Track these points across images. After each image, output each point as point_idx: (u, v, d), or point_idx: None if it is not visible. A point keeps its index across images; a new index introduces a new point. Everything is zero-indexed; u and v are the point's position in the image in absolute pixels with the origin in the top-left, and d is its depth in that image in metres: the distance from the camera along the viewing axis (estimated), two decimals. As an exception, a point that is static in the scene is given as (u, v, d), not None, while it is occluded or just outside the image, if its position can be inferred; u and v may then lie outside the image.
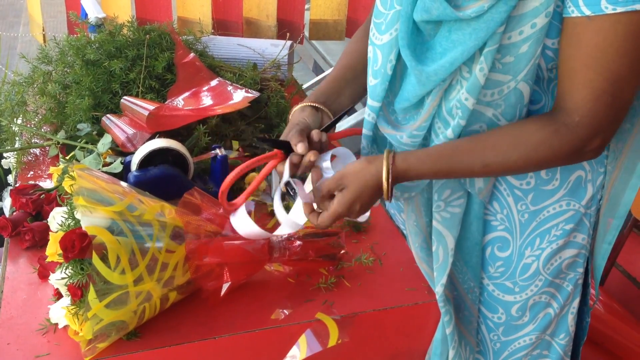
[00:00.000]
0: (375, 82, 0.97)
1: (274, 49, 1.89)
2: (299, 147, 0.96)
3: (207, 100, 1.53)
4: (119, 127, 1.41)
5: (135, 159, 1.28)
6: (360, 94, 1.12)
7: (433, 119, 0.94)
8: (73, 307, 1.01)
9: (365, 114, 1.01)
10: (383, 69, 0.95)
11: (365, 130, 1.02)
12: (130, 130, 1.39)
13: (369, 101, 0.99)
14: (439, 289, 1.07)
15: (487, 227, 1.03)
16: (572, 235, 1.01)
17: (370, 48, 0.98)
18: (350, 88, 1.09)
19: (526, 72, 0.86)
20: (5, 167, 1.61)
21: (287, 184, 0.99)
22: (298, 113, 1.04)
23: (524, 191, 0.99)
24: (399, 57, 0.93)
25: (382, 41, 0.95)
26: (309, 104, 1.04)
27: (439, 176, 0.94)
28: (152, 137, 1.36)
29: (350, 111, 1.11)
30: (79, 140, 1.46)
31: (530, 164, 0.90)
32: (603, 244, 1.02)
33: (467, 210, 1.01)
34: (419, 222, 1.08)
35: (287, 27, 2.24)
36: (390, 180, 0.91)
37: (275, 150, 1.00)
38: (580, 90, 0.83)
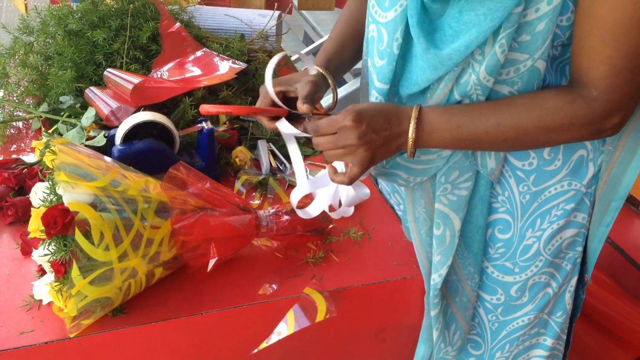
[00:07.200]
0: (382, 62, 0.92)
1: (262, 19, 1.85)
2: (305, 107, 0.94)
3: (192, 71, 1.50)
4: (102, 100, 1.38)
5: (120, 133, 1.26)
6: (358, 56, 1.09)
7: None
8: (57, 283, 0.99)
9: (371, 96, 0.96)
10: (389, 48, 0.90)
11: None
12: (114, 104, 1.36)
13: (377, 83, 0.94)
14: (436, 278, 1.04)
15: (489, 210, 1.01)
16: (573, 214, 1.00)
17: (372, 27, 0.92)
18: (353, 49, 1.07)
19: (543, 50, 0.83)
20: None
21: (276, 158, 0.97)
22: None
23: (526, 172, 0.97)
24: (405, 35, 0.88)
25: (386, 19, 0.89)
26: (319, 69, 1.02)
27: (453, 135, 0.88)
28: (136, 111, 1.34)
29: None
30: (61, 114, 1.43)
31: (544, 130, 0.86)
32: (600, 226, 1.01)
33: (472, 193, 0.99)
34: (428, 208, 1.04)
35: (275, -3, 2.20)
36: (415, 131, 0.87)
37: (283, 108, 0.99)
38: (598, 66, 0.81)
